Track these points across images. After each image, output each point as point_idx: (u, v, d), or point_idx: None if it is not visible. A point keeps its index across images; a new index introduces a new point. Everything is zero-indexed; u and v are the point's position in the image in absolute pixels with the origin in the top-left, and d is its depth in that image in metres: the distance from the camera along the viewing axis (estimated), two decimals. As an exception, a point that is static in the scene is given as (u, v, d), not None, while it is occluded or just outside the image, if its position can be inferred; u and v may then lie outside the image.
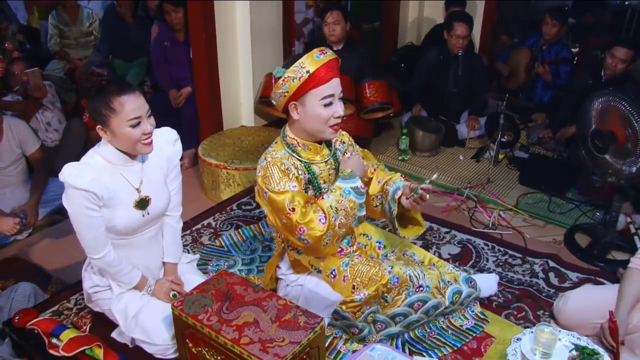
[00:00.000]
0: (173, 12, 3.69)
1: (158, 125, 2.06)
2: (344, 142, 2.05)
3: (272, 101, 1.91)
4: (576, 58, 4.34)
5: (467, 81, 3.90)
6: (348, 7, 5.83)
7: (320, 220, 1.74)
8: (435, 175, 1.90)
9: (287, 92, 1.78)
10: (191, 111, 3.71)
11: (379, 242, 2.18)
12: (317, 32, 5.31)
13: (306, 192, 1.88)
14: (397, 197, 1.89)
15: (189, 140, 3.67)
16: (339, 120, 1.83)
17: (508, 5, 5.32)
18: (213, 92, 3.54)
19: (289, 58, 1.83)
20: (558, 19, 4.17)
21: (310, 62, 1.75)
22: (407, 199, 1.85)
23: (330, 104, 1.79)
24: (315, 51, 1.77)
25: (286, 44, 3.93)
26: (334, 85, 1.79)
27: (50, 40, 4.52)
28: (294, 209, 1.75)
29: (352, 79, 3.59)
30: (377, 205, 2.01)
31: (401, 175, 1.99)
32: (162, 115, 3.67)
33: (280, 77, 1.78)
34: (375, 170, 2.06)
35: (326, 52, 1.78)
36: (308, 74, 1.74)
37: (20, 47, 4.42)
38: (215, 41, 3.43)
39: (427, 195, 1.82)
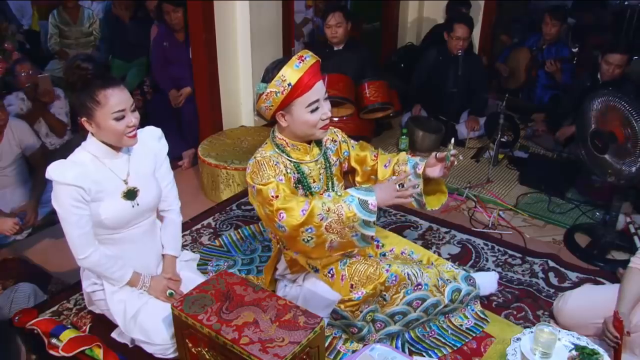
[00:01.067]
0: (172, 12, 3.69)
1: (158, 125, 2.08)
2: (335, 141, 2.05)
3: (257, 116, 1.91)
4: (576, 58, 4.33)
5: (467, 81, 3.90)
6: (348, 7, 5.83)
7: (302, 209, 1.71)
8: (452, 140, 1.94)
9: (272, 105, 1.79)
10: (191, 111, 3.71)
11: (377, 241, 2.18)
12: (317, 32, 5.31)
13: (296, 190, 1.89)
14: (419, 171, 1.93)
15: (189, 140, 3.68)
16: (328, 121, 1.83)
17: (508, 5, 5.32)
18: (213, 92, 3.54)
19: (267, 67, 1.80)
20: (558, 18, 4.18)
21: (291, 73, 1.74)
22: (445, 168, 1.89)
23: (316, 108, 1.79)
24: (295, 60, 1.75)
25: (286, 44, 3.93)
26: (318, 89, 1.79)
27: (50, 40, 4.52)
28: (277, 196, 1.74)
29: (353, 79, 3.59)
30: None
31: (407, 154, 2.02)
32: (162, 115, 3.69)
33: (262, 93, 1.78)
34: (376, 156, 2.06)
35: (305, 58, 1.77)
36: (290, 87, 1.74)
37: (20, 48, 4.42)
38: (215, 41, 3.43)
39: (456, 161, 1.89)
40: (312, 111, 1.79)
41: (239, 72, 3.70)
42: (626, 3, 4.55)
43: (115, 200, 1.85)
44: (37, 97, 3.35)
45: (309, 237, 1.73)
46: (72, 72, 1.72)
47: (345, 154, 2.07)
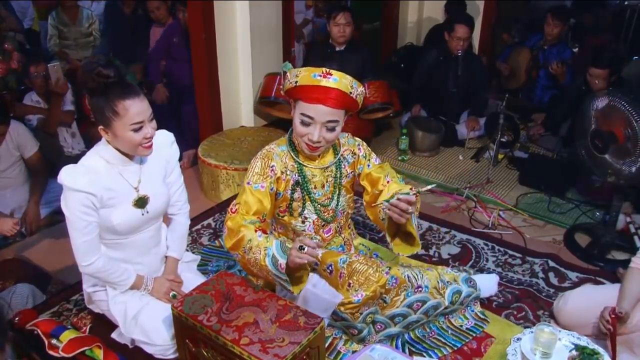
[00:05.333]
0: (182, 11, 3.76)
1: (157, 126, 2.07)
2: (354, 154, 2.01)
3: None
4: (576, 59, 4.33)
5: (466, 81, 3.90)
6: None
7: (234, 235, 1.76)
8: (430, 186, 1.84)
9: (284, 88, 1.83)
10: (191, 111, 3.71)
11: (376, 255, 2.18)
12: (317, 33, 5.31)
13: (293, 193, 1.90)
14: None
15: (189, 141, 3.68)
16: (313, 145, 1.80)
17: (508, 5, 5.32)
18: (213, 93, 3.54)
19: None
20: (560, 19, 4.14)
21: (305, 76, 1.74)
22: (392, 210, 1.73)
23: (307, 124, 1.77)
24: (318, 70, 1.73)
25: (286, 45, 3.93)
26: (318, 112, 1.74)
27: (49, 40, 4.51)
28: (235, 211, 1.79)
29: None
30: (383, 219, 1.92)
31: (411, 188, 1.86)
32: (162, 115, 3.67)
33: (285, 72, 1.81)
34: (388, 182, 1.96)
35: (329, 77, 1.72)
36: (296, 84, 1.75)
37: (20, 48, 4.42)
38: (215, 41, 3.43)
39: (409, 207, 1.70)
40: (302, 123, 1.78)
41: (238, 72, 3.70)
42: (626, 3, 4.55)
43: (125, 208, 1.84)
44: (50, 89, 3.33)
45: (238, 259, 1.79)
46: (92, 78, 1.70)
47: (360, 169, 2.02)
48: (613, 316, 1.86)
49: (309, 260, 1.61)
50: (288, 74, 1.79)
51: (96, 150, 1.83)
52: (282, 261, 1.64)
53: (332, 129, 1.78)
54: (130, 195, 1.85)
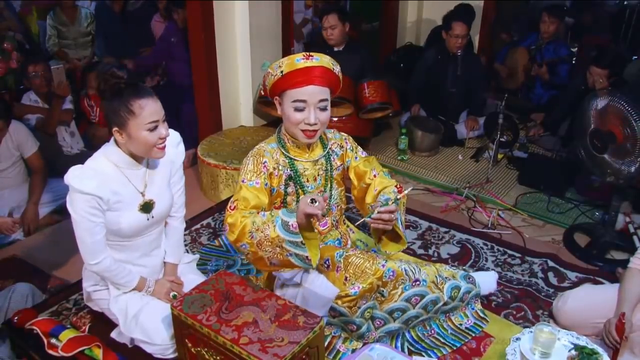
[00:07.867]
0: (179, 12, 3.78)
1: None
2: (342, 147, 2.05)
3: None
4: (575, 58, 4.33)
5: (466, 81, 3.91)
6: (347, 7, 5.83)
7: (236, 228, 1.74)
8: (408, 190, 1.85)
9: (267, 86, 1.86)
10: (190, 111, 3.71)
11: (374, 250, 2.18)
12: (317, 32, 5.31)
13: (287, 187, 1.92)
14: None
15: (188, 140, 3.67)
16: (310, 128, 1.82)
17: (508, 5, 5.33)
18: (212, 92, 3.54)
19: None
20: (556, 16, 4.16)
21: (289, 63, 1.78)
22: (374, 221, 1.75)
23: (302, 109, 1.80)
24: (300, 55, 1.79)
25: (285, 44, 3.93)
26: (309, 93, 1.79)
27: (48, 40, 4.51)
28: (234, 208, 1.79)
29: (352, 80, 3.59)
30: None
31: (396, 186, 1.95)
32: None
33: (267, 71, 1.84)
34: (375, 176, 2.00)
35: (311, 58, 1.79)
36: (281, 75, 1.79)
37: (20, 48, 4.42)
38: (214, 41, 3.43)
39: (393, 215, 1.74)
40: (296, 110, 1.81)
41: (238, 72, 3.70)
42: (625, 3, 4.55)
43: (131, 212, 1.84)
44: (52, 90, 3.32)
45: (246, 251, 1.76)
46: (105, 80, 1.70)
47: (348, 162, 2.06)
48: (624, 321, 1.85)
49: (320, 211, 1.59)
50: (270, 70, 1.82)
51: (104, 152, 1.82)
52: (293, 221, 1.63)
53: (325, 109, 1.84)
54: (136, 199, 1.85)
